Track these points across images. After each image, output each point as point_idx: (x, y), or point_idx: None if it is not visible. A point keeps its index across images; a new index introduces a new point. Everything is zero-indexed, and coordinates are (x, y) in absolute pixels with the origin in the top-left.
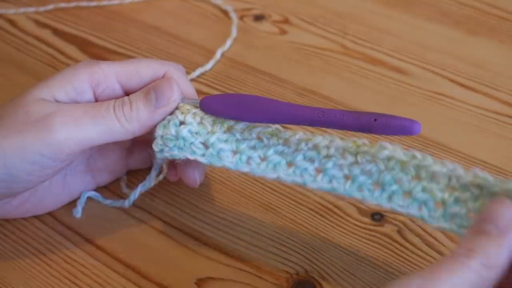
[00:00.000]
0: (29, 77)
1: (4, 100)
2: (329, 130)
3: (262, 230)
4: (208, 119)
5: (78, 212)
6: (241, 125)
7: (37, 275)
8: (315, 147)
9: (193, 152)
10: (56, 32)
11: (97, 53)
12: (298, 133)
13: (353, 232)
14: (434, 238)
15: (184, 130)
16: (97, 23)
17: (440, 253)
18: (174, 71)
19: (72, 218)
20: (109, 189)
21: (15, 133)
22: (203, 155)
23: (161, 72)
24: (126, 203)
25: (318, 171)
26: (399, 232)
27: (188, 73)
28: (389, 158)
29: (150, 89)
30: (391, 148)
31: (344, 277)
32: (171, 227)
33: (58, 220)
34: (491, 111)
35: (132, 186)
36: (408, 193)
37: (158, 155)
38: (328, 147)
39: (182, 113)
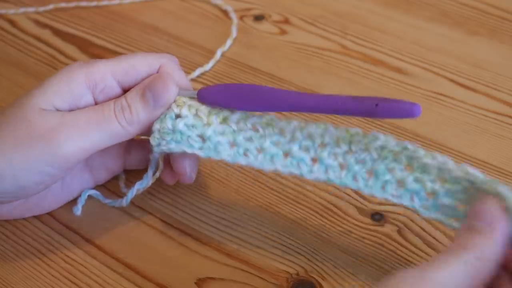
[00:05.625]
0: (29, 77)
1: (4, 100)
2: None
3: (262, 230)
4: (203, 110)
5: (78, 210)
6: (236, 116)
7: (37, 275)
8: (310, 136)
9: (191, 146)
10: (56, 32)
11: (97, 53)
12: (293, 122)
13: (353, 232)
14: (434, 238)
15: (180, 124)
16: (97, 23)
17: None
18: (169, 62)
19: (71, 217)
20: (108, 188)
21: (22, 147)
22: (201, 148)
23: (156, 65)
24: (124, 202)
25: (314, 161)
26: (399, 232)
27: (188, 73)
28: (382, 148)
29: (145, 89)
30: (383, 138)
31: (344, 277)
32: (171, 227)
33: (57, 219)
34: (491, 111)
35: (130, 185)
36: (401, 183)
37: (156, 149)
38: (322, 135)
39: (178, 106)
